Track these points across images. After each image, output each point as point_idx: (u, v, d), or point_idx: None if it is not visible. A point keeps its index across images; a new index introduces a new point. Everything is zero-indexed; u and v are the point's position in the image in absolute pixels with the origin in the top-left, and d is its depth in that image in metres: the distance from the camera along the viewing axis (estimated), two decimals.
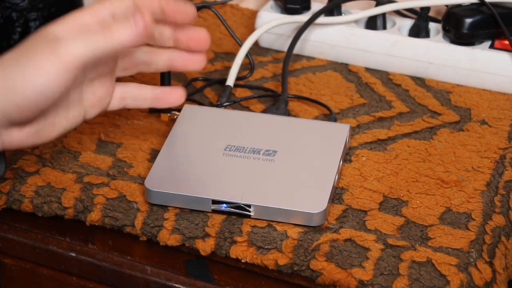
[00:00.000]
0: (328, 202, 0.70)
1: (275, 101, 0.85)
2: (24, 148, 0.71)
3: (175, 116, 0.81)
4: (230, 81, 0.87)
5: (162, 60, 0.73)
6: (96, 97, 0.71)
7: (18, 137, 0.67)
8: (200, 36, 0.71)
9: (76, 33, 0.64)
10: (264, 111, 0.83)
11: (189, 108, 0.81)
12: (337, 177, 0.74)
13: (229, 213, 0.71)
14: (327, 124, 0.79)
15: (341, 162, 0.75)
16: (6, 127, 0.66)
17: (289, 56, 0.89)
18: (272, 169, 0.73)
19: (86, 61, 0.64)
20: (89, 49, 0.64)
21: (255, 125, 0.79)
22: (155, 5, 0.68)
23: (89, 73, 0.70)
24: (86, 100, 0.70)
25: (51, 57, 0.63)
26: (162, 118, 0.83)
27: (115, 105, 0.73)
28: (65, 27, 0.65)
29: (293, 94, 0.87)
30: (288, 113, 0.83)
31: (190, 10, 0.70)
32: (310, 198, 0.70)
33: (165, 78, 0.81)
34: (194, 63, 0.73)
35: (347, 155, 0.78)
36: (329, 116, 0.83)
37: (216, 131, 0.78)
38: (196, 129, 0.78)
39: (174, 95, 0.74)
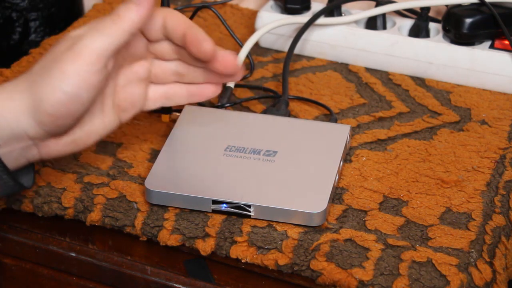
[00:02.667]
0: (328, 202, 0.70)
1: (276, 102, 0.85)
2: (62, 157, 0.71)
3: (176, 117, 0.81)
4: (231, 82, 0.87)
5: (192, 78, 0.73)
6: (128, 102, 0.71)
7: (55, 148, 0.68)
8: (227, 61, 0.70)
9: (91, 30, 0.66)
10: (265, 112, 0.83)
11: (189, 109, 0.81)
12: (337, 177, 0.74)
13: (229, 213, 0.71)
14: (327, 125, 0.79)
15: (341, 163, 0.75)
16: (43, 139, 0.67)
17: (290, 57, 0.89)
18: (272, 169, 0.73)
19: (107, 53, 0.65)
20: (106, 39, 0.65)
21: (256, 126, 0.79)
22: (181, 29, 0.69)
23: (121, 78, 0.70)
24: (118, 105, 0.70)
25: (73, 59, 0.65)
26: (163, 119, 0.83)
27: (150, 105, 0.73)
28: (81, 29, 0.67)
29: (294, 95, 0.87)
30: (288, 114, 0.83)
31: (207, 46, 0.68)
32: (310, 198, 0.70)
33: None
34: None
35: (347, 155, 0.78)
36: (330, 116, 0.83)
37: (217, 132, 0.78)
38: (196, 129, 0.78)
39: (208, 89, 0.73)
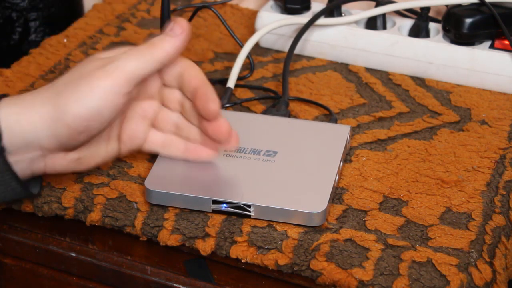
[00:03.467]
0: (328, 202, 0.70)
1: (276, 102, 0.85)
2: (61, 173, 0.72)
3: None
4: (231, 83, 0.87)
5: (187, 137, 0.74)
6: (128, 136, 0.72)
7: (60, 163, 0.69)
8: (220, 127, 0.71)
9: (125, 54, 0.68)
10: (265, 112, 0.83)
11: None
12: (337, 177, 0.74)
13: (229, 213, 0.71)
14: (327, 125, 0.79)
15: (341, 163, 0.75)
16: (52, 151, 0.68)
17: (290, 57, 0.89)
18: (273, 169, 0.73)
19: (137, 78, 0.67)
20: (138, 64, 0.67)
21: (256, 126, 0.79)
22: (195, 82, 0.71)
23: (130, 110, 0.72)
24: (120, 136, 0.72)
25: (105, 77, 0.66)
26: None
27: (147, 147, 0.74)
28: (111, 52, 0.69)
29: (294, 96, 0.87)
30: (288, 115, 0.83)
31: (213, 106, 0.70)
32: (310, 198, 0.70)
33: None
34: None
35: (347, 155, 0.78)
36: (330, 116, 0.83)
37: None
38: None
39: (205, 151, 0.74)
